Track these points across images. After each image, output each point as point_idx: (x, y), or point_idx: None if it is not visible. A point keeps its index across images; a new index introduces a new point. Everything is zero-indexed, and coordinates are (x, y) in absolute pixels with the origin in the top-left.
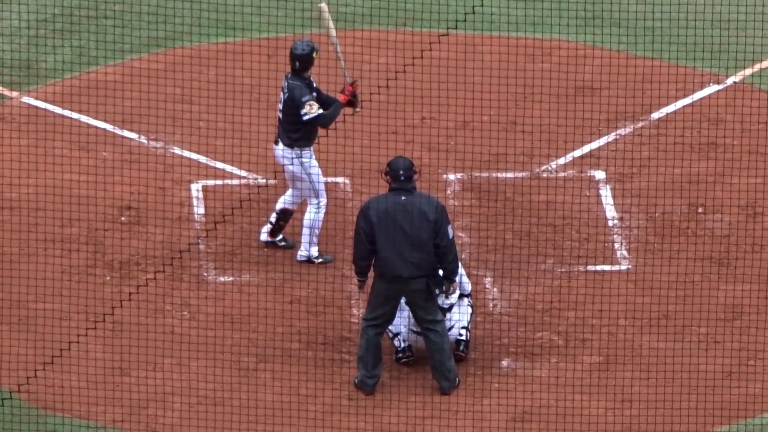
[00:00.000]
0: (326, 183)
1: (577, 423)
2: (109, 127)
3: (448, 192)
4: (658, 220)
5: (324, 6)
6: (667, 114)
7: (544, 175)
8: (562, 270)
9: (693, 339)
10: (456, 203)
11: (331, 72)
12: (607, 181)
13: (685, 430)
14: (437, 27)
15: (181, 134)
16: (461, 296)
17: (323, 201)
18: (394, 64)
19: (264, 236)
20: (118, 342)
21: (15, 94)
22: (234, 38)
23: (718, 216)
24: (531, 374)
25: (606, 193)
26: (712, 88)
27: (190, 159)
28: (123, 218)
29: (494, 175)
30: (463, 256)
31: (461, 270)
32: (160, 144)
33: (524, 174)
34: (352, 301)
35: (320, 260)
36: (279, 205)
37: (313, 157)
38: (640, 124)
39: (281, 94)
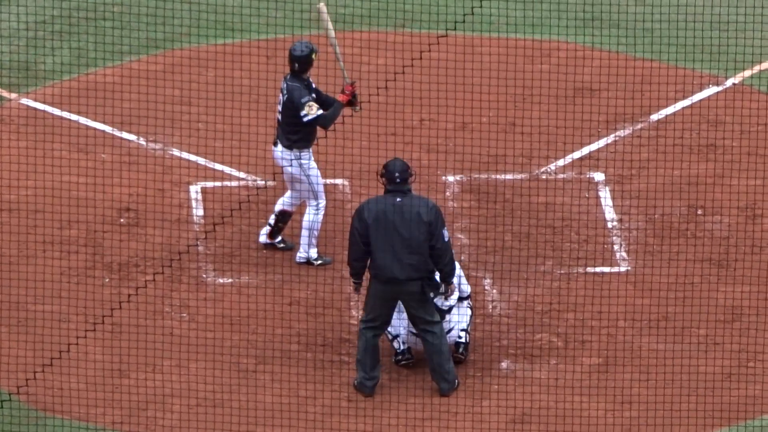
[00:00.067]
0: (325, 184)
1: (577, 424)
2: (108, 128)
3: (447, 193)
4: (657, 222)
5: (323, 6)
6: (667, 115)
7: (544, 177)
8: (562, 272)
9: (692, 341)
10: (455, 205)
11: (330, 73)
12: (607, 182)
13: None
14: (436, 28)
15: (180, 136)
16: (460, 298)
17: (322, 203)
18: (393, 65)
19: (263, 238)
20: (117, 344)
21: (14, 95)
22: (233, 39)
23: (717, 218)
24: (530, 376)
25: (605, 195)
26: (712, 90)
27: (189, 161)
28: (122, 220)
29: (493, 176)
30: (462, 258)
31: (460, 272)
32: (159, 145)
33: (523, 175)
34: (351, 303)
35: (319, 262)
36: (278, 207)
37: (312, 158)
38: (639, 126)
39: (280, 95)
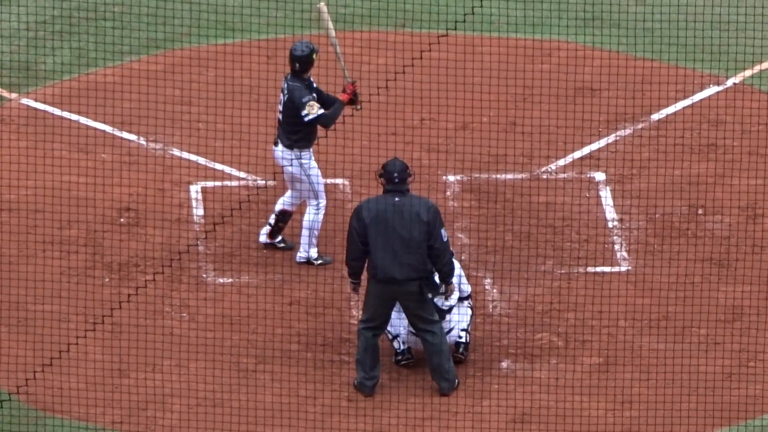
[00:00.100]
0: (325, 184)
1: (577, 424)
2: (108, 128)
3: (448, 193)
4: (658, 222)
5: (323, 6)
6: (667, 115)
7: (544, 177)
8: (562, 271)
9: (693, 340)
10: (455, 204)
11: (330, 72)
12: (607, 182)
13: None
14: (436, 28)
15: (181, 135)
16: (461, 298)
17: (322, 202)
18: (393, 65)
19: (263, 238)
20: (117, 344)
21: (14, 95)
22: (233, 39)
23: (718, 217)
24: (531, 375)
25: (606, 195)
26: (712, 90)
27: (189, 160)
28: (122, 220)
29: (494, 176)
30: (462, 258)
31: (460, 272)
32: (159, 145)
33: (524, 175)
34: (352, 303)
35: (319, 261)
36: (278, 207)
37: (313, 158)
38: (639, 126)
39: (281, 95)
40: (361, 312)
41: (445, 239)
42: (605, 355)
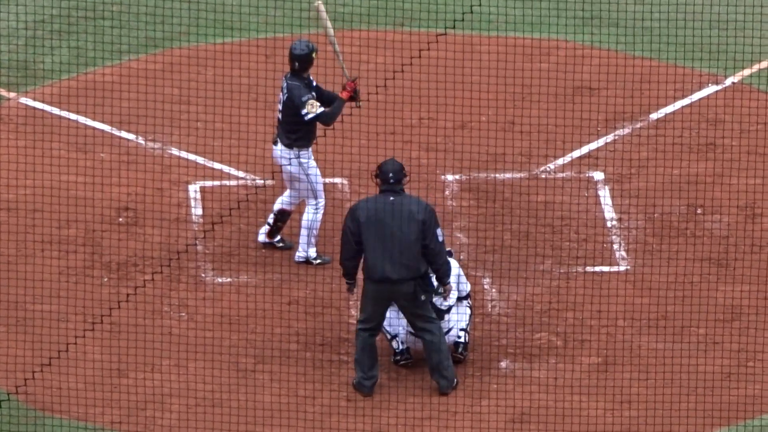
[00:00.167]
0: (324, 184)
1: (576, 424)
2: (106, 128)
3: (446, 193)
4: (656, 221)
5: (320, 5)
6: (666, 114)
7: (543, 176)
8: (561, 271)
9: (692, 340)
10: (454, 204)
11: (329, 71)
12: (606, 181)
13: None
14: (435, 27)
15: (179, 135)
16: (459, 298)
17: (321, 202)
18: (392, 64)
19: (262, 237)
20: (116, 343)
21: (12, 95)
22: (232, 38)
23: (716, 217)
24: (530, 375)
25: (605, 194)
26: (711, 89)
27: (187, 160)
28: (120, 219)
29: (492, 175)
30: (461, 257)
31: (459, 271)
32: (157, 145)
33: (522, 174)
34: (351, 303)
35: (318, 261)
36: (277, 206)
37: (312, 157)
38: (638, 125)
39: (280, 94)
40: (359, 312)
41: (440, 239)
42: (604, 354)
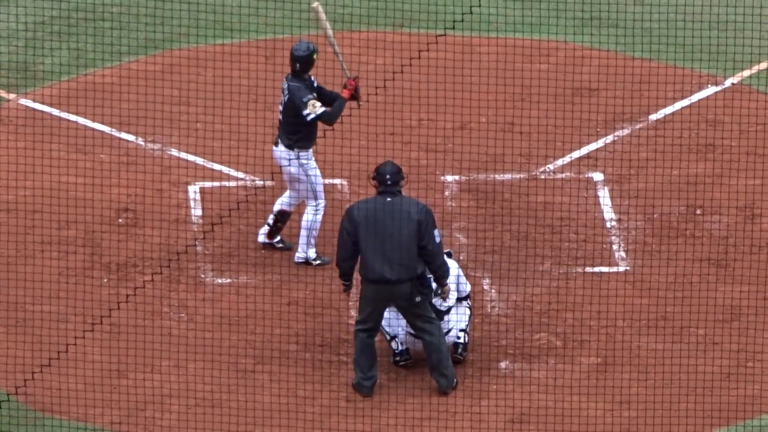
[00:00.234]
0: (324, 184)
1: (576, 424)
2: (106, 129)
3: (446, 193)
4: (656, 222)
5: (318, 6)
6: (665, 115)
7: (542, 177)
8: (561, 271)
9: (691, 340)
10: (453, 205)
11: (328, 72)
12: (605, 182)
13: None
14: (434, 28)
15: (179, 136)
16: (459, 299)
17: (322, 203)
18: (391, 65)
19: (261, 238)
20: (116, 344)
21: (12, 96)
22: (231, 40)
23: (716, 217)
24: (529, 376)
25: (604, 195)
26: (710, 90)
27: (187, 161)
28: (120, 220)
29: (492, 176)
30: (461, 258)
31: (459, 272)
32: (157, 146)
33: (522, 175)
34: (350, 303)
35: (318, 262)
36: (276, 207)
37: (313, 158)
38: (638, 126)
39: (281, 95)
40: (357, 313)
41: (437, 240)
42: (603, 355)
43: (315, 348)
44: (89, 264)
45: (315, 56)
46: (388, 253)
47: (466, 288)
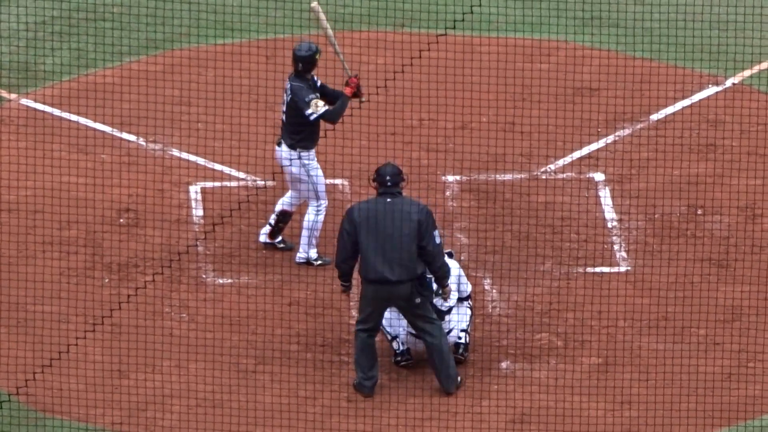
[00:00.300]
0: (325, 185)
1: (577, 424)
2: (107, 129)
3: (447, 193)
4: (657, 222)
5: (316, 5)
6: (666, 115)
7: (543, 177)
8: (562, 271)
9: (692, 340)
10: (455, 205)
11: (329, 72)
12: (606, 182)
13: None
14: (435, 28)
15: (180, 136)
16: (460, 299)
17: (323, 203)
18: (392, 64)
19: (263, 238)
20: (117, 344)
21: (13, 96)
22: (232, 39)
23: (717, 217)
24: (530, 376)
25: (605, 195)
26: (711, 90)
27: (188, 161)
28: (121, 220)
29: (493, 176)
30: (462, 258)
31: (460, 272)
32: (158, 146)
33: (523, 175)
34: (351, 303)
35: (319, 262)
36: (278, 207)
37: (315, 159)
38: (639, 126)
39: (284, 95)
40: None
41: (437, 241)
42: (605, 355)
43: (316, 348)
44: (90, 264)
45: (317, 56)
46: (388, 254)
47: (467, 288)
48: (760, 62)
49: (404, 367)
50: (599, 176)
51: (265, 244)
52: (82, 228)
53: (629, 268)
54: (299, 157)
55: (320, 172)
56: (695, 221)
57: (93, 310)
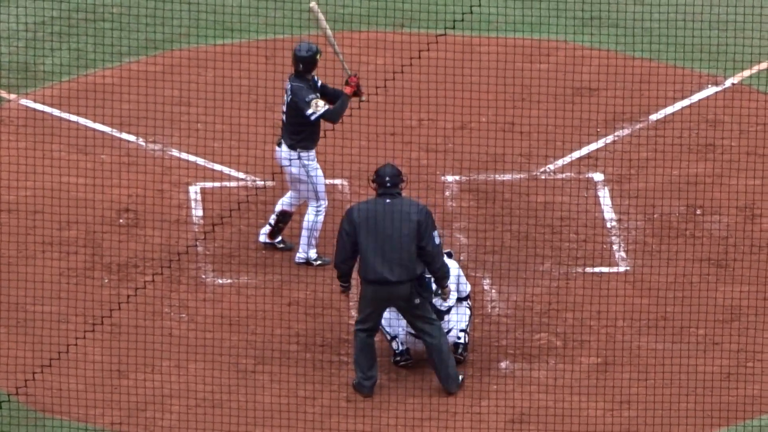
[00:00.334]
0: (325, 185)
1: (576, 424)
2: (107, 129)
3: (446, 193)
4: (656, 222)
5: (314, 5)
6: (666, 115)
7: (543, 177)
8: (561, 271)
9: (691, 340)
10: (454, 205)
11: (329, 72)
12: (606, 182)
13: None
14: (435, 28)
15: (179, 136)
16: (459, 299)
17: (323, 204)
18: (391, 65)
19: (263, 237)
20: (117, 344)
21: (13, 96)
22: (232, 40)
23: (716, 217)
24: (529, 376)
25: (604, 195)
26: (711, 90)
27: (188, 161)
28: (121, 221)
29: (492, 176)
30: (461, 258)
31: (459, 272)
32: (158, 146)
33: (522, 175)
34: (351, 303)
35: (318, 262)
36: (278, 207)
37: (315, 159)
38: (638, 126)
39: (284, 96)
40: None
41: (437, 242)
42: (604, 355)
43: (315, 348)
44: (90, 264)
45: (318, 57)
46: (387, 254)
47: (466, 288)
48: (759, 62)
49: (403, 367)
50: (598, 176)
51: (265, 244)
52: (82, 228)
53: (628, 268)
54: (299, 158)
55: (320, 173)
56: (694, 221)
57: (92, 311)
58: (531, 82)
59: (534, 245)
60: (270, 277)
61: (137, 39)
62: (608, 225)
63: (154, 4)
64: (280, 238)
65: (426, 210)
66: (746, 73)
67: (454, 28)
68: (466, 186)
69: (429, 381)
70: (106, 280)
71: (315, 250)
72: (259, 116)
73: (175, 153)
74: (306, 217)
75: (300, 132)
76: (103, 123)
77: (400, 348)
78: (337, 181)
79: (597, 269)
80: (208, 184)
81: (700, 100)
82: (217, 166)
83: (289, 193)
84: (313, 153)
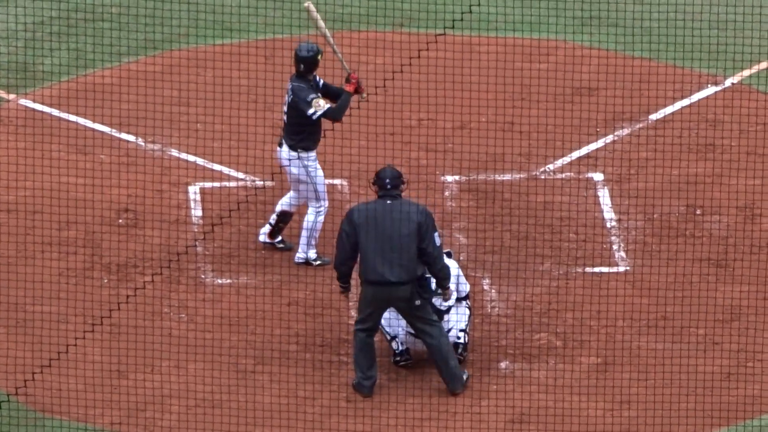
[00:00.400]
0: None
1: (576, 424)
2: (106, 129)
3: (446, 193)
4: (656, 222)
5: (309, 5)
6: (665, 115)
7: (542, 177)
8: (560, 271)
9: (691, 340)
10: (453, 205)
11: (328, 72)
12: (605, 182)
13: None
14: (434, 28)
15: (179, 136)
16: (459, 299)
17: (324, 204)
18: (391, 64)
19: (263, 237)
20: (116, 345)
21: (12, 96)
22: (231, 40)
23: (716, 217)
24: (529, 376)
25: (604, 195)
26: (710, 90)
27: (187, 161)
28: (120, 221)
29: (492, 176)
30: (461, 258)
31: (458, 272)
32: (157, 146)
33: (522, 175)
34: (350, 303)
35: (318, 262)
36: (279, 207)
37: (316, 159)
38: (638, 125)
39: (285, 96)
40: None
41: (438, 243)
42: (603, 355)
43: (315, 348)
44: (89, 265)
45: (319, 57)
46: (388, 255)
47: (466, 288)
48: (759, 62)
49: (403, 367)
50: (598, 176)
51: (265, 244)
52: (81, 228)
53: (628, 268)
54: (299, 158)
55: (320, 173)
56: (694, 221)
57: (92, 311)
58: (530, 82)
59: (534, 245)
60: (270, 277)
61: (136, 39)
62: (608, 225)
63: (153, 5)
64: (279, 238)
65: (426, 211)
66: (746, 72)
67: (453, 27)
68: (466, 186)
69: (429, 381)
70: (106, 281)
71: (315, 251)
72: (258, 116)
73: (174, 153)
74: (306, 218)
75: (300, 132)
76: (103, 123)
77: (400, 348)
78: (337, 181)
79: (597, 269)
80: (208, 184)
81: (699, 100)
82: (217, 166)
83: (289, 193)
84: (313, 154)
